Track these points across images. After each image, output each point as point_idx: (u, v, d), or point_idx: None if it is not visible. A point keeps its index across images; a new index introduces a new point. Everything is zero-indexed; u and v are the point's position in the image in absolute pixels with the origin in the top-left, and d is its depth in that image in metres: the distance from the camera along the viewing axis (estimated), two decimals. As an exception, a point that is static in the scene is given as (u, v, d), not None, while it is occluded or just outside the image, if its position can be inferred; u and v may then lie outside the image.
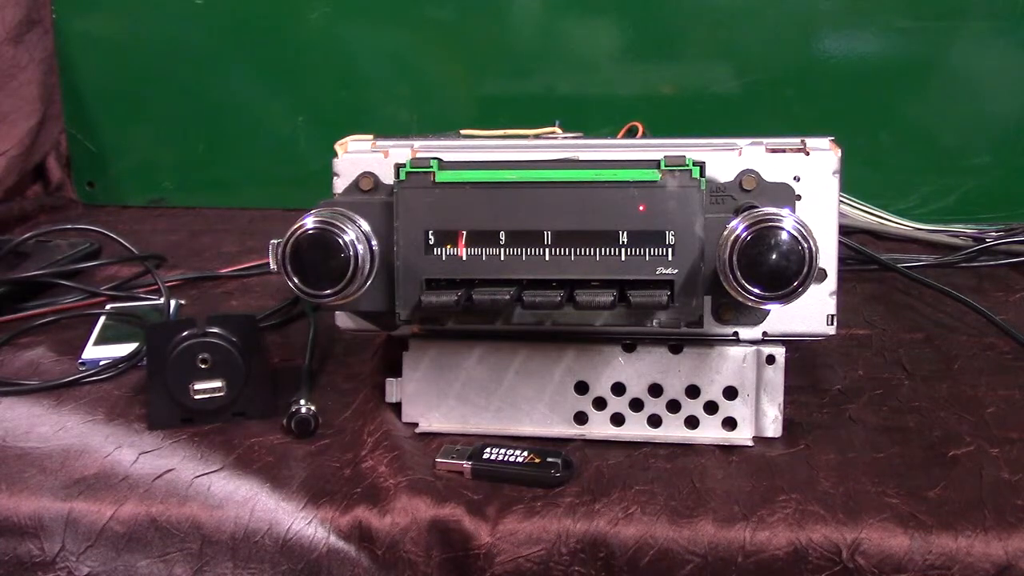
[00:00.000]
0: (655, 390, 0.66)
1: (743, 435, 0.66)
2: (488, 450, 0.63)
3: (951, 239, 1.07)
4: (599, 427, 0.67)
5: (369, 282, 0.61)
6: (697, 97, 1.26)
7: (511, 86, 1.30)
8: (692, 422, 0.66)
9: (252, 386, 0.70)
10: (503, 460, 0.62)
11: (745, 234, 0.57)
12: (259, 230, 1.23)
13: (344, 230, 0.60)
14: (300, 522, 0.59)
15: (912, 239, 1.10)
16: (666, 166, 0.60)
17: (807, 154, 0.64)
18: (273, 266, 0.60)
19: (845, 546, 0.56)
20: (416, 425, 0.68)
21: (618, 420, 0.66)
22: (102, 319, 0.88)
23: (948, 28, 1.19)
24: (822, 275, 0.64)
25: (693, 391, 0.66)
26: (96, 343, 0.82)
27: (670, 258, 0.60)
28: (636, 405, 0.66)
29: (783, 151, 0.64)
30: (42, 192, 1.37)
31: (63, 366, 0.80)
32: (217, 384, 0.69)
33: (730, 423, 0.66)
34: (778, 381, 0.66)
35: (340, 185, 0.66)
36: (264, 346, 0.72)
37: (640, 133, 0.88)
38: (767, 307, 0.62)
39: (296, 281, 0.60)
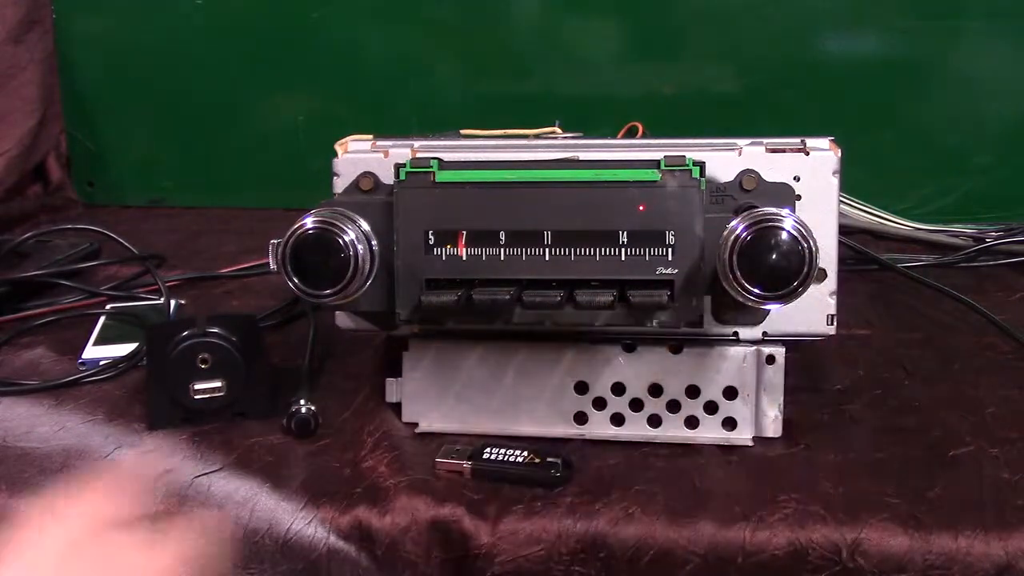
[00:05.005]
0: (655, 390, 0.66)
1: (743, 435, 0.66)
2: (488, 450, 0.63)
3: (951, 239, 1.07)
4: (599, 427, 0.66)
5: (369, 282, 0.61)
6: (697, 97, 1.26)
7: (511, 86, 1.30)
8: (692, 422, 0.66)
9: (252, 386, 0.70)
10: (503, 460, 0.62)
11: (745, 234, 0.57)
12: (259, 230, 1.22)
13: (344, 230, 0.60)
14: (300, 522, 0.59)
15: (912, 239, 1.09)
16: (666, 166, 0.60)
17: (807, 154, 0.64)
18: (273, 266, 0.60)
19: (845, 546, 0.56)
20: (416, 425, 0.68)
21: (618, 420, 0.66)
22: (102, 319, 0.88)
23: (948, 28, 1.19)
24: (822, 275, 0.64)
25: (693, 391, 0.66)
26: (96, 343, 0.83)
27: (670, 258, 0.60)
28: (636, 405, 0.66)
29: (783, 151, 0.64)
30: (42, 192, 1.36)
31: (63, 366, 0.80)
32: (217, 384, 0.69)
33: (730, 423, 0.66)
34: (778, 381, 0.66)
35: (340, 185, 0.66)
36: (264, 346, 0.72)
37: (640, 133, 0.87)
38: (767, 307, 0.62)
39: (296, 281, 0.60)
